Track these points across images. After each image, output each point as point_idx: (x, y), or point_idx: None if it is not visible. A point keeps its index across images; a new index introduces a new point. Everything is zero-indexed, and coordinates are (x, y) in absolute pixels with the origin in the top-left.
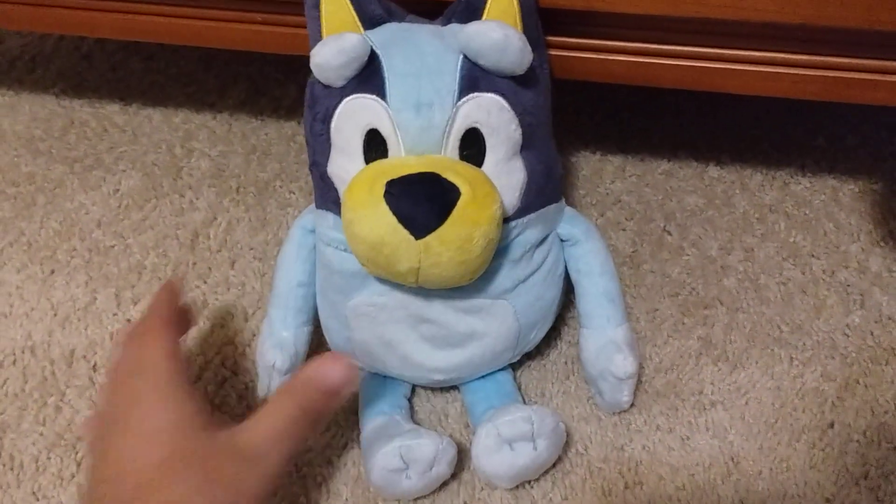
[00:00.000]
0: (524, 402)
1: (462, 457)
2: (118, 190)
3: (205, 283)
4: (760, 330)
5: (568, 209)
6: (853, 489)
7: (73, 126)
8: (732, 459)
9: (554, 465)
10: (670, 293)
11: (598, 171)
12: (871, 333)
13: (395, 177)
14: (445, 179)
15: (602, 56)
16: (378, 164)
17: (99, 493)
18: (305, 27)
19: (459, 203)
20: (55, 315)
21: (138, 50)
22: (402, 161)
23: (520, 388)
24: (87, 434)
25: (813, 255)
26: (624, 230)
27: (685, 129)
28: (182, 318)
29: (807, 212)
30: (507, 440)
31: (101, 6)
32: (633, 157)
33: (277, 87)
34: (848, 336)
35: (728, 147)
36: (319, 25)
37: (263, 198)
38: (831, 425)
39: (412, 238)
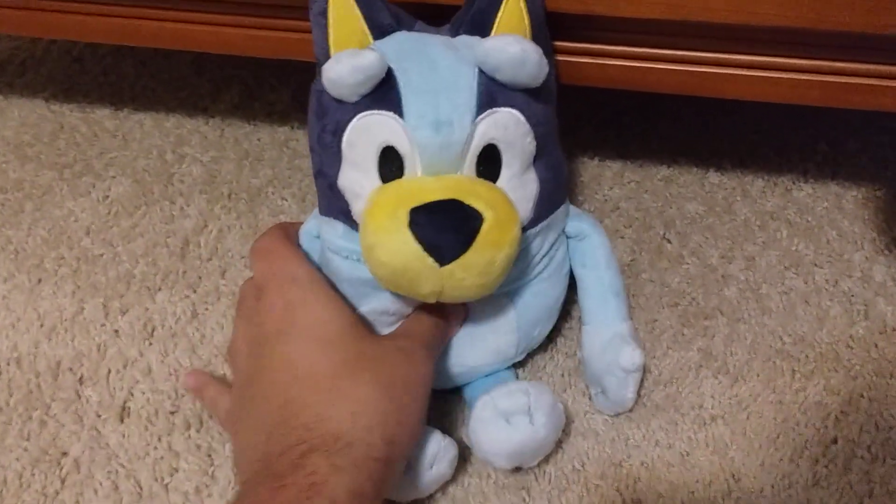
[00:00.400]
0: None
1: (457, 470)
2: (108, 196)
3: (195, 292)
4: (762, 341)
5: (572, 207)
6: None
7: (62, 131)
8: (733, 476)
9: (550, 482)
10: (669, 303)
11: (596, 177)
12: (876, 345)
13: (417, 203)
14: (468, 206)
15: (601, 61)
16: (398, 186)
17: (284, 397)
18: (298, 31)
19: (483, 229)
20: (41, 326)
21: (130, 54)
22: (422, 184)
23: None
24: (232, 354)
25: (816, 264)
26: (622, 238)
27: (685, 134)
28: None
29: (809, 219)
30: (503, 413)
31: (93, 10)
32: (632, 162)
33: (270, 91)
34: (852, 348)
35: (729, 153)
36: (326, 33)
37: (255, 205)
38: (835, 441)
39: (436, 265)
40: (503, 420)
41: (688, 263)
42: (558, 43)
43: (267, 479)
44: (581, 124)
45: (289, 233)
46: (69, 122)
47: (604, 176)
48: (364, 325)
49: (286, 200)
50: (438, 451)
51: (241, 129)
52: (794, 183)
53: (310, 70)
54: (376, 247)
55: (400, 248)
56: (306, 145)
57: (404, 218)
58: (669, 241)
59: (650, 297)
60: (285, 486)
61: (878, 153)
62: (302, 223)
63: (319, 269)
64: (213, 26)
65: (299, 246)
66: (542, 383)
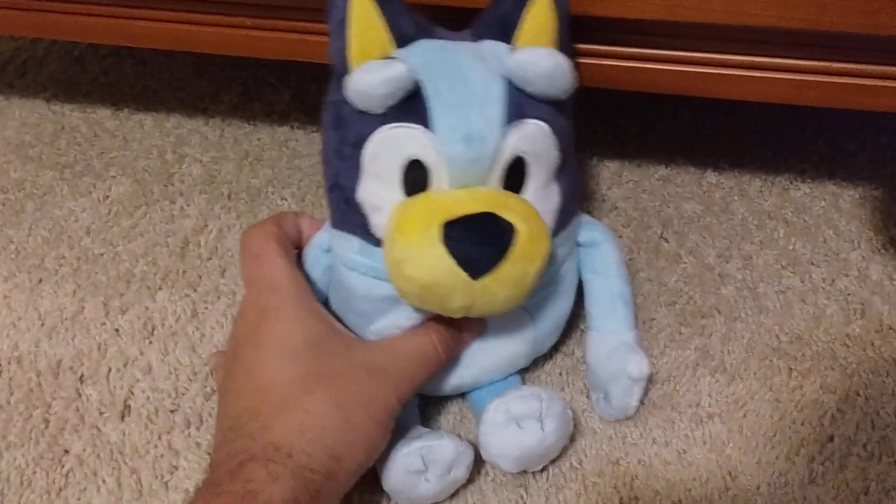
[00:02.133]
0: None
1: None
2: (108, 196)
3: (195, 291)
4: (759, 340)
5: (584, 215)
6: None
7: (63, 131)
8: (730, 474)
9: (548, 480)
10: (667, 302)
11: (594, 176)
12: (872, 344)
13: (450, 217)
14: (502, 219)
15: (599, 61)
16: (427, 200)
17: (241, 405)
18: (298, 32)
19: (516, 242)
20: (42, 325)
21: (130, 54)
22: (454, 197)
23: None
24: (219, 359)
25: (812, 263)
26: (620, 237)
27: (683, 134)
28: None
29: (806, 218)
30: (515, 417)
31: (93, 11)
32: (630, 162)
33: (270, 91)
34: (848, 346)
35: (726, 152)
36: (345, 43)
37: (255, 204)
38: (831, 438)
39: (469, 279)
40: (514, 424)
41: (685, 262)
42: None
43: (206, 487)
44: (579, 124)
45: (283, 227)
46: (70, 123)
47: (602, 175)
48: (341, 338)
49: (286, 200)
50: (456, 456)
51: (240, 130)
52: (791, 182)
53: (309, 70)
54: (406, 262)
55: (434, 263)
56: (306, 145)
57: (437, 232)
58: (667, 241)
59: (648, 296)
60: (221, 494)
61: (876, 153)
62: (297, 213)
63: (308, 277)
64: (213, 27)
65: (290, 245)
66: (555, 390)
